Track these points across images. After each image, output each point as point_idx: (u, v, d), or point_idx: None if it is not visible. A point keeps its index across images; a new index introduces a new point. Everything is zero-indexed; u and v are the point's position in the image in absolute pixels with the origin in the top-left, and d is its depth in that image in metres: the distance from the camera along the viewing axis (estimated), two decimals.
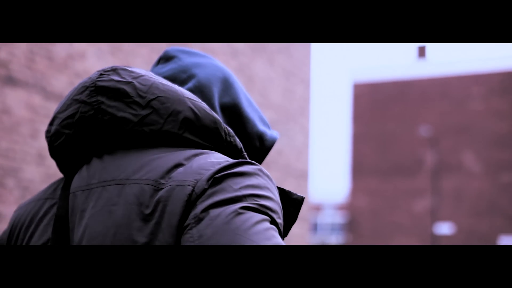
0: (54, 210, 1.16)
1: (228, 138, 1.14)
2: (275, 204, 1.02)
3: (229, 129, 1.15)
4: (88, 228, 1.04)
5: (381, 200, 37.02)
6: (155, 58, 8.95)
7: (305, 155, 13.21)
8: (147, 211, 1.00)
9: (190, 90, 1.23)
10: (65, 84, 7.50)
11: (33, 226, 1.18)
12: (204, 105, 1.14)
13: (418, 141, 37.15)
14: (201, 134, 1.12)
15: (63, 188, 1.15)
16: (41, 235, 1.15)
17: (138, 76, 1.13)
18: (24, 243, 1.17)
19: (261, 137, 1.28)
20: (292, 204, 1.11)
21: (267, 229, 0.95)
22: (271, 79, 11.88)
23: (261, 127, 1.29)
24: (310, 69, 13.51)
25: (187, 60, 1.27)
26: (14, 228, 1.23)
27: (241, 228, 0.93)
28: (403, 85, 37.78)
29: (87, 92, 1.13)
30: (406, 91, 37.61)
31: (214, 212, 0.96)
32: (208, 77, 1.25)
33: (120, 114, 1.11)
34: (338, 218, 54.74)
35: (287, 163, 12.37)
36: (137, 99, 1.11)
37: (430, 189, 36.59)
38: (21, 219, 1.22)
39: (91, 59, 7.81)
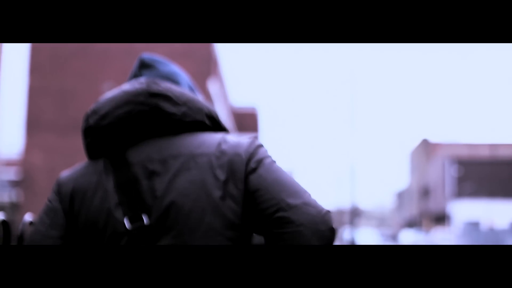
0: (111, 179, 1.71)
1: (222, 125, 1.85)
2: None
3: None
4: (174, 183, 1.66)
5: (58, 157, 35.74)
6: None
7: None
8: (217, 172, 1.68)
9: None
10: None
11: (100, 192, 1.69)
12: (210, 105, 1.82)
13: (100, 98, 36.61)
14: (212, 122, 1.83)
15: (116, 162, 1.71)
16: (106, 199, 1.68)
17: (170, 87, 1.79)
18: (91, 206, 1.68)
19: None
20: None
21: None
22: None
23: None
24: None
25: (163, 68, 1.92)
26: (74, 196, 1.72)
27: (279, 168, 1.71)
28: None
29: (142, 97, 1.76)
30: (89, 47, 36.70)
31: (262, 162, 1.71)
32: (188, 83, 1.95)
33: (171, 110, 1.75)
34: (10, 174, 52.22)
35: None
36: (177, 101, 1.77)
37: None
38: (81, 188, 1.72)
39: None
